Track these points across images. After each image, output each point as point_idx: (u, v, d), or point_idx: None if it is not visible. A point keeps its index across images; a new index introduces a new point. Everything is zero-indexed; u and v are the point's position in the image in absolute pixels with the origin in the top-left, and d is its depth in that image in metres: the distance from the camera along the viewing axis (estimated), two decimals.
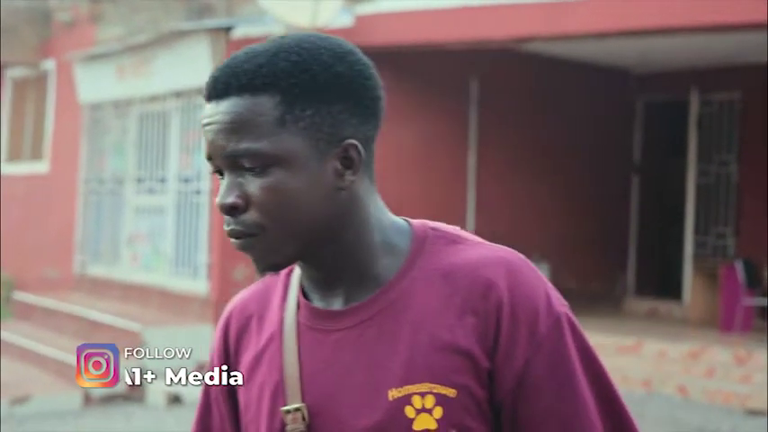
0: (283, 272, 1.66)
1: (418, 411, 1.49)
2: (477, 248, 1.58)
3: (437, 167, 12.17)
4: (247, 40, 10.97)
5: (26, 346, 11.52)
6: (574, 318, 1.56)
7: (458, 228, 1.65)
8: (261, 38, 10.88)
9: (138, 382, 7.93)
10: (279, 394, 1.59)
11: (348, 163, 1.53)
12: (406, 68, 11.77)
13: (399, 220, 1.64)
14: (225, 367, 1.71)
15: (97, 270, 13.41)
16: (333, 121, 1.52)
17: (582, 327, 1.58)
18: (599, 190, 13.79)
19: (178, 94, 11.91)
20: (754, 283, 11.82)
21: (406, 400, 1.50)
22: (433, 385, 1.49)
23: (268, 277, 1.70)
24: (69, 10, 14.45)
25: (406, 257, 1.58)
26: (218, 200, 1.52)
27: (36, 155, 15.30)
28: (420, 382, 1.50)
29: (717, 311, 12.27)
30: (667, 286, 13.75)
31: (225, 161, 1.51)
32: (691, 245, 12.86)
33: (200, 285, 11.36)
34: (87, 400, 10.23)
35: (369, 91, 1.57)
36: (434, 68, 12.03)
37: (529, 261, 1.57)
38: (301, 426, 1.55)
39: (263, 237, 1.51)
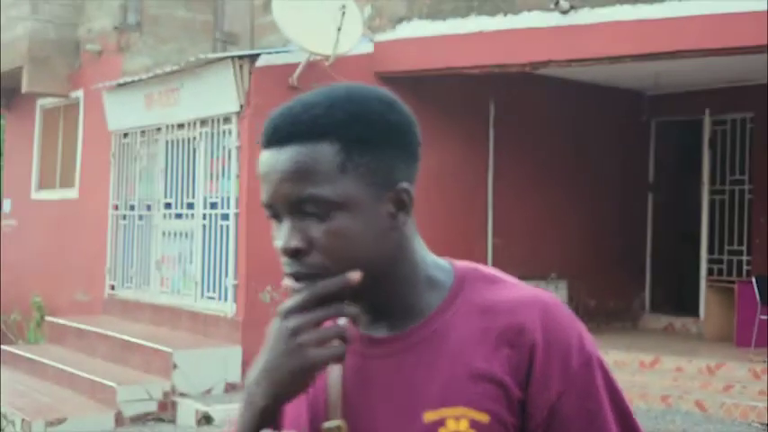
0: None
1: None
2: (515, 288, 1.66)
3: (457, 190, 12.35)
4: (271, 69, 11.16)
5: (60, 368, 11.62)
6: (604, 360, 1.64)
7: (497, 269, 1.73)
8: (284, 66, 11.09)
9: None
10: (320, 410, 1.64)
11: (400, 205, 1.61)
12: (425, 93, 11.82)
13: (441, 259, 1.72)
14: None
15: (127, 294, 13.51)
16: (386, 166, 1.60)
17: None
18: (615, 209, 13.89)
19: (204, 122, 12.04)
20: None
21: (441, 422, 1.56)
22: (467, 410, 1.56)
23: None
24: (98, 41, 14.58)
25: (448, 292, 1.66)
26: (280, 243, 1.58)
27: (66, 182, 15.40)
28: (455, 406, 1.56)
29: (732, 327, 12.28)
30: (683, 303, 13.77)
31: (288, 207, 1.58)
32: (705, 262, 12.93)
33: (227, 308, 11.50)
34: (120, 420, 10.30)
35: (414, 137, 1.68)
36: (453, 93, 12.19)
37: (564, 304, 1.66)
38: None
39: (326, 278, 1.56)
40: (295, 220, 1.58)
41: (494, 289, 1.66)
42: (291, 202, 1.57)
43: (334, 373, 1.65)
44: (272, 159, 1.59)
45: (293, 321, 1.54)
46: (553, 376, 1.57)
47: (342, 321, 1.61)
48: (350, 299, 1.58)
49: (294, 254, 1.57)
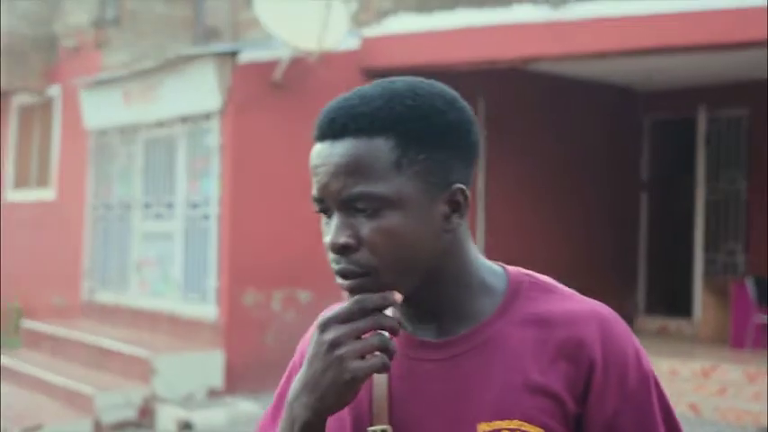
0: None
1: None
2: (572, 300, 1.64)
3: None
4: (254, 65, 10.98)
5: (36, 375, 11.47)
6: (657, 376, 1.64)
7: (550, 278, 1.71)
8: (268, 63, 10.92)
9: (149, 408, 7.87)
10: (365, 414, 1.63)
11: (455, 206, 1.59)
12: None
13: (492, 263, 1.70)
14: None
15: (106, 296, 13.34)
16: (443, 166, 1.57)
17: None
18: (608, 208, 13.75)
19: (185, 119, 11.87)
20: (764, 299, 11.78)
21: None
22: (522, 423, 1.55)
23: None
24: (75, 36, 14.44)
25: (501, 299, 1.64)
26: (329, 239, 1.57)
27: (42, 181, 15.26)
28: (510, 418, 1.55)
29: (727, 329, 12.24)
30: (677, 304, 13.71)
31: (338, 202, 1.56)
32: (700, 262, 12.83)
33: (209, 311, 11.29)
34: (98, 427, 10.15)
35: (473, 137, 1.63)
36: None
37: (620, 317, 1.64)
38: None
39: (374, 277, 1.55)
40: (345, 216, 1.57)
41: (550, 299, 1.65)
42: (343, 197, 1.55)
43: (381, 375, 1.63)
44: (326, 152, 1.58)
45: (332, 333, 1.53)
46: (610, 393, 1.58)
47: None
48: (402, 300, 1.61)
49: (342, 250, 1.56)
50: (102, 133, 13.62)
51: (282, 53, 10.91)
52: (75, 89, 13.76)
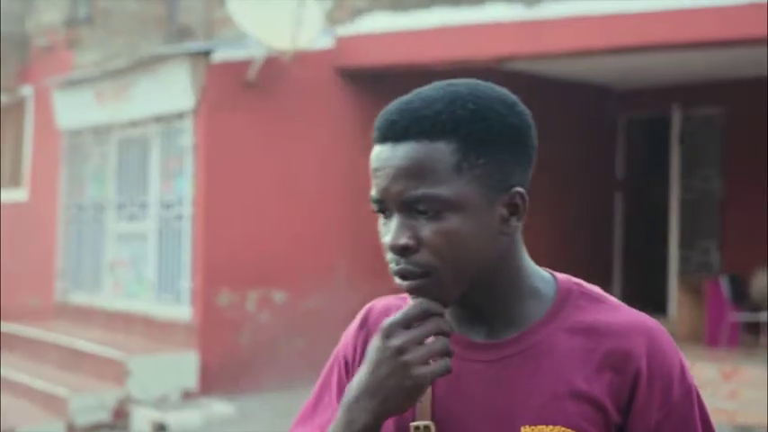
0: None
1: None
2: (620, 311, 1.66)
3: None
4: (228, 64, 10.93)
5: (9, 377, 11.38)
6: (700, 391, 1.67)
7: (598, 287, 1.73)
8: (242, 62, 10.86)
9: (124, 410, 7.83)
10: (409, 409, 1.63)
11: (513, 209, 1.62)
12: (388, 90, 11.64)
13: (542, 269, 1.73)
14: (353, 361, 1.79)
15: (79, 298, 13.26)
16: (503, 169, 1.60)
17: None
18: (583, 207, 13.74)
19: (158, 119, 11.78)
20: (739, 297, 11.80)
21: None
22: (565, 429, 1.58)
23: (407, 296, 1.74)
24: (47, 35, 14.35)
25: (550, 305, 1.67)
26: (389, 240, 1.59)
27: (15, 182, 15.16)
28: (554, 424, 1.58)
29: (702, 327, 12.24)
30: (652, 302, 13.68)
31: (399, 204, 1.58)
32: (675, 260, 12.85)
33: (183, 312, 11.21)
34: (72, 430, 10.09)
35: (532, 141, 1.67)
36: (417, 89, 11.92)
37: (666, 331, 1.67)
38: None
39: (433, 278, 1.57)
40: (405, 218, 1.58)
41: (599, 308, 1.67)
42: (404, 199, 1.57)
43: None
44: (387, 155, 1.59)
45: (398, 340, 1.54)
46: (654, 405, 1.60)
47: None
48: (450, 304, 1.62)
49: (402, 251, 1.58)
50: (75, 133, 13.53)
51: (256, 52, 10.85)
52: (48, 89, 13.67)
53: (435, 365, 1.54)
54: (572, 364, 1.60)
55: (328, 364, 1.85)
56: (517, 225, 1.63)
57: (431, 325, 1.55)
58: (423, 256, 1.57)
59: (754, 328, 11.94)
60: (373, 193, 1.62)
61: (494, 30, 10.74)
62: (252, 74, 10.90)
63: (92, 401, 10.30)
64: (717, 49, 10.21)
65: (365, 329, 1.79)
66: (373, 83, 11.68)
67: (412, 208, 1.57)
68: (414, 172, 1.56)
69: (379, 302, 1.83)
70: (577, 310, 1.65)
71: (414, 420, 1.63)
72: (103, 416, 10.29)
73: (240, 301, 10.99)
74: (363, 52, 11.55)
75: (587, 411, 1.58)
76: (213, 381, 10.78)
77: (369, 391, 1.55)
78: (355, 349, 1.79)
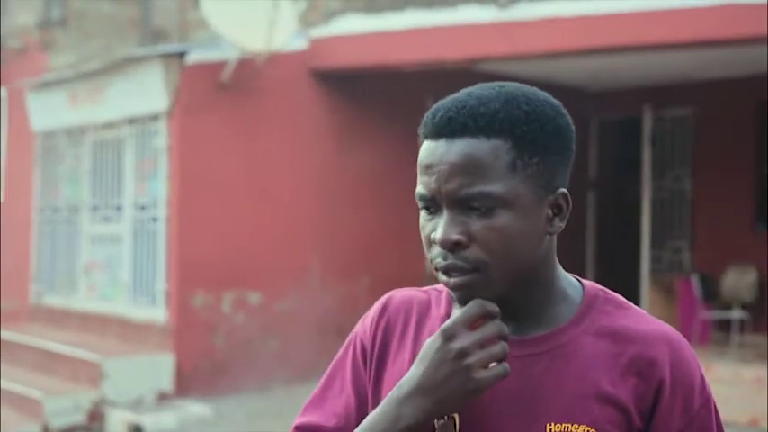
0: (446, 289, 1.75)
1: None
2: (645, 319, 1.70)
3: (393, 191, 12.07)
4: (202, 66, 10.92)
5: None
6: (716, 403, 1.71)
7: (621, 296, 1.76)
8: (216, 63, 10.85)
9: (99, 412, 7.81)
10: None
11: (557, 210, 1.66)
12: (362, 91, 11.75)
13: (569, 274, 1.77)
14: (371, 348, 1.80)
15: (54, 300, 13.21)
16: (551, 170, 1.62)
17: None
18: None
19: (132, 121, 11.75)
20: (709, 296, 11.90)
21: None
22: (590, 429, 1.60)
23: (431, 288, 1.83)
24: (20, 37, 14.29)
25: (578, 308, 1.70)
26: (439, 235, 1.59)
27: None
28: (579, 423, 1.61)
29: (674, 325, 12.27)
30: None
31: (451, 200, 1.59)
32: (647, 260, 12.90)
33: (158, 314, 11.19)
34: (47, 431, 10.07)
35: (573, 144, 1.69)
36: (390, 90, 11.96)
37: (688, 342, 1.71)
38: None
39: (483, 273, 1.59)
40: (456, 214, 1.60)
41: (624, 315, 1.70)
42: (458, 195, 1.58)
43: None
44: (441, 150, 1.60)
45: (460, 342, 1.56)
46: (676, 413, 1.64)
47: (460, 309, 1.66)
48: (492, 301, 1.62)
49: (453, 247, 1.59)
50: (49, 135, 13.48)
51: (230, 54, 10.85)
52: (22, 91, 13.61)
53: (495, 370, 1.56)
54: (598, 367, 1.63)
55: (342, 348, 1.86)
56: (560, 225, 1.67)
57: (493, 328, 1.58)
58: (473, 252, 1.59)
59: (724, 326, 12.04)
60: (422, 189, 1.63)
61: (466, 31, 10.75)
62: (226, 75, 10.91)
63: (67, 404, 10.26)
64: (687, 51, 10.27)
65: (386, 318, 1.81)
66: (347, 84, 11.72)
67: (465, 204, 1.59)
68: (470, 168, 1.58)
69: (400, 293, 1.85)
70: (603, 315, 1.69)
71: None
72: (78, 418, 10.26)
73: (215, 302, 10.99)
74: (337, 54, 11.55)
75: (611, 414, 1.61)
76: (189, 382, 10.78)
77: (424, 389, 1.56)
78: (375, 337, 1.80)
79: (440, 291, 1.81)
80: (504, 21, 10.49)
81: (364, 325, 1.84)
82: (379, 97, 11.92)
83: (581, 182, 14.29)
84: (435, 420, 1.61)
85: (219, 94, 10.99)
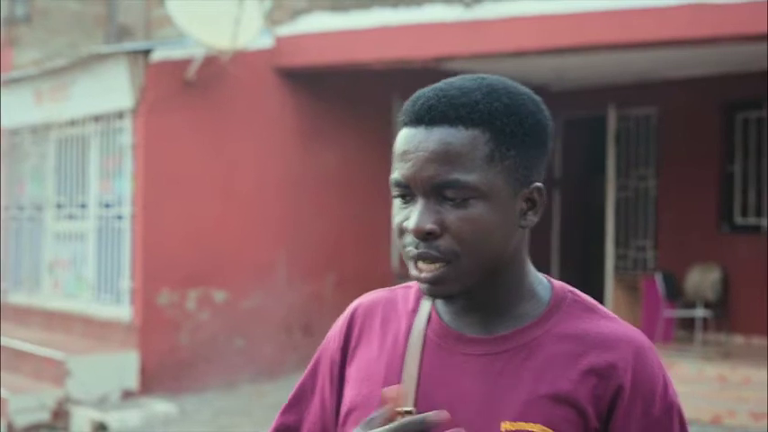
0: (415, 285, 1.75)
1: None
2: (611, 322, 1.68)
3: (358, 190, 12.08)
4: (167, 63, 10.89)
5: None
6: (682, 409, 1.69)
7: (591, 298, 1.74)
8: (181, 61, 10.83)
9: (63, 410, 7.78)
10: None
11: (531, 204, 1.66)
12: (327, 89, 11.74)
13: (540, 274, 1.74)
14: (339, 357, 1.80)
15: (18, 298, 13.16)
16: (527, 163, 1.63)
17: None
18: None
19: (97, 119, 11.72)
20: (673, 294, 11.95)
21: None
22: (545, 429, 1.58)
23: (398, 287, 1.82)
24: None
25: (545, 308, 1.68)
26: (412, 224, 1.58)
27: None
28: (534, 422, 1.59)
29: (638, 323, 12.35)
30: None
31: (426, 188, 1.58)
32: (612, 258, 12.94)
33: (123, 311, 11.16)
34: (11, 430, 10.02)
35: (550, 140, 1.69)
36: (356, 88, 11.96)
37: (653, 346, 1.69)
38: None
39: (455, 264, 1.58)
40: (430, 203, 1.59)
41: (590, 317, 1.68)
42: (434, 183, 1.58)
43: (412, 359, 1.68)
44: (420, 138, 1.60)
45: None
46: (634, 419, 1.61)
47: (424, 314, 1.71)
48: (461, 294, 1.63)
49: (425, 236, 1.58)
50: (14, 133, 13.43)
51: (195, 52, 10.83)
52: None
53: None
54: (557, 367, 1.62)
55: (313, 361, 1.86)
56: (534, 219, 1.66)
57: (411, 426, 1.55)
58: (445, 242, 1.58)
59: (688, 324, 12.11)
60: (397, 175, 1.61)
61: (432, 30, 10.77)
62: (191, 73, 10.89)
63: (31, 402, 10.23)
64: (652, 50, 10.31)
65: (352, 324, 1.81)
66: (312, 82, 11.71)
67: (440, 193, 1.58)
68: (448, 157, 1.57)
69: (366, 297, 1.84)
70: (569, 317, 1.67)
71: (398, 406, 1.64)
72: (43, 416, 10.23)
73: (180, 300, 10.97)
74: (302, 52, 11.54)
75: (568, 414, 1.59)
76: (153, 380, 10.76)
77: None
78: (340, 349, 1.80)
79: (408, 288, 1.81)
80: (469, 20, 10.51)
81: (333, 333, 1.84)
82: (344, 95, 11.92)
83: (546, 181, 14.31)
84: (394, 410, 1.61)
85: (185, 92, 10.96)
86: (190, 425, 9.78)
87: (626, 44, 9.95)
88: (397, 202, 1.64)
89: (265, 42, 11.52)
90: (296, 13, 11.83)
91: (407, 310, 1.76)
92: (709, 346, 11.61)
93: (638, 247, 13.56)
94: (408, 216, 1.60)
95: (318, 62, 11.48)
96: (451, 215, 1.57)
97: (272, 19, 11.75)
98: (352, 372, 1.76)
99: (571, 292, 1.72)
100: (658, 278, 11.91)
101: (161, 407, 10.23)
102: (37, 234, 12.92)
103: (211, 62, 10.89)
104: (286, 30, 11.74)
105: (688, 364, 10.63)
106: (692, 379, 10.34)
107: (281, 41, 11.63)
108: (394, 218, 1.64)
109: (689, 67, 11.81)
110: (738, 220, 12.71)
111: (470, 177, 1.57)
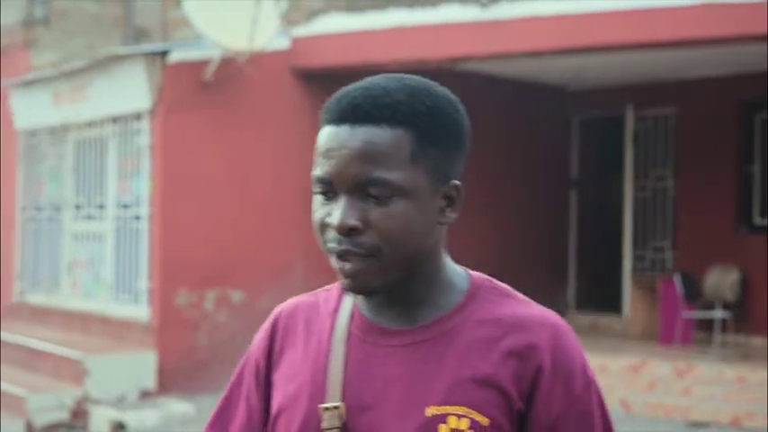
0: (335, 287, 1.80)
1: (452, 431, 1.62)
2: (527, 306, 1.73)
3: None
4: (184, 65, 10.91)
5: None
6: (600, 389, 1.73)
7: (508, 286, 1.79)
8: (199, 62, 10.85)
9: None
10: (318, 393, 1.70)
11: (449, 202, 1.69)
12: None
13: (456, 266, 1.79)
14: (265, 363, 1.82)
15: (37, 298, 13.20)
16: (447, 162, 1.67)
17: None
18: (538, 206, 13.79)
19: (115, 120, 11.76)
20: (692, 295, 11.89)
21: (442, 418, 1.63)
22: (470, 410, 1.62)
23: (320, 291, 1.85)
24: (3, 36, 14.25)
25: (462, 297, 1.72)
26: (335, 220, 1.62)
27: None
28: (458, 405, 1.63)
29: (656, 325, 12.33)
30: (607, 300, 13.78)
31: (350, 186, 1.62)
32: (629, 259, 12.94)
33: (141, 311, 11.20)
34: (30, 429, 10.05)
35: (468, 139, 1.73)
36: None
37: (571, 328, 1.73)
38: (337, 423, 1.66)
39: (377, 259, 1.62)
40: (354, 200, 1.62)
41: (508, 303, 1.73)
42: (358, 181, 1.61)
43: (337, 355, 1.71)
44: (344, 136, 1.63)
45: None
46: (556, 397, 1.65)
47: (346, 312, 1.75)
48: (382, 290, 1.66)
49: (349, 232, 1.61)
50: (32, 134, 13.48)
51: (212, 53, 10.85)
52: (5, 89, 13.59)
53: None
54: (478, 352, 1.65)
55: (238, 368, 1.89)
56: (452, 216, 1.70)
57: None
58: (368, 238, 1.61)
59: (706, 326, 12.05)
60: (319, 172, 1.65)
61: (448, 30, 10.77)
62: (208, 74, 10.91)
63: (50, 401, 10.26)
64: (669, 50, 10.29)
65: (274, 330, 1.83)
66: (328, 83, 11.57)
67: (363, 191, 1.61)
68: (372, 155, 1.60)
69: (286, 303, 1.87)
70: (487, 303, 1.71)
71: (324, 403, 1.68)
72: (62, 415, 10.26)
73: (198, 300, 10.99)
74: (319, 53, 11.55)
75: (491, 396, 1.63)
76: (171, 380, 10.78)
77: None
78: (265, 355, 1.82)
79: (328, 290, 1.83)
80: (485, 20, 10.50)
81: (256, 341, 1.86)
82: None
83: (563, 181, 14.31)
84: (321, 410, 1.66)
85: (202, 93, 10.99)
86: None
87: (643, 44, 9.94)
88: (317, 199, 1.67)
89: (282, 43, 11.53)
90: (312, 14, 11.84)
91: (329, 311, 1.79)
92: (727, 347, 11.57)
93: (656, 248, 13.51)
94: (330, 212, 1.64)
95: (334, 63, 11.48)
96: (375, 212, 1.61)
97: (288, 20, 11.77)
98: (279, 376, 1.78)
99: (488, 280, 1.77)
100: (677, 279, 11.85)
101: (179, 407, 10.25)
102: (55, 235, 12.96)
103: (228, 63, 10.91)
104: (302, 31, 11.76)
105: (707, 365, 10.59)
106: (711, 381, 10.31)
107: (297, 42, 11.64)
108: (314, 213, 1.68)
109: (707, 67, 11.78)
110: (757, 220, 12.67)
111: (394, 176, 1.60)
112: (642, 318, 12.66)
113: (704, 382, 10.28)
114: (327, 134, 1.65)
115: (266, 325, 1.86)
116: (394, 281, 1.65)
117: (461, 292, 1.73)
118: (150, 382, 10.72)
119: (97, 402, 10.38)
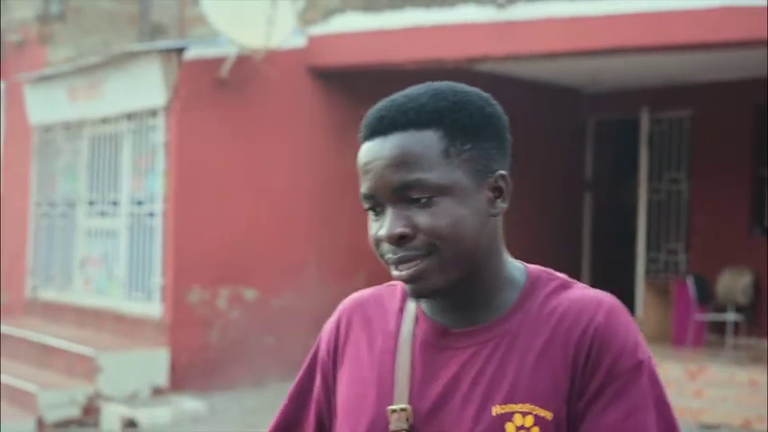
0: (400, 284, 1.79)
1: (518, 429, 1.64)
2: (584, 291, 1.74)
3: None
4: (200, 62, 10.92)
5: None
6: (656, 369, 1.69)
7: (567, 276, 1.80)
8: (214, 60, 10.87)
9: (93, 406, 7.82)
10: (386, 394, 1.73)
11: (498, 192, 1.72)
12: (359, 89, 11.71)
13: (514, 260, 1.81)
14: (330, 359, 1.85)
15: (49, 294, 13.21)
16: (485, 154, 1.69)
17: None
18: (552, 208, 13.79)
19: (130, 116, 11.76)
20: (705, 298, 11.89)
21: (508, 416, 1.64)
22: (533, 407, 1.64)
23: (383, 286, 1.88)
24: (19, 31, 14.27)
25: (521, 293, 1.74)
26: (384, 232, 1.65)
27: None
28: (523, 402, 1.65)
29: (669, 327, 12.33)
30: (621, 302, 13.76)
31: (392, 194, 1.65)
32: (643, 261, 12.92)
33: (154, 309, 11.20)
34: (42, 426, 10.06)
35: (507, 132, 1.76)
36: (388, 89, 11.74)
37: (625, 308, 1.72)
38: (405, 425, 1.68)
39: (435, 256, 1.64)
40: (398, 208, 1.65)
41: (564, 293, 1.73)
42: (396, 187, 1.64)
43: (403, 357, 1.74)
44: (376, 148, 1.67)
45: None
46: (600, 369, 1.64)
47: (411, 313, 1.77)
48: (446, 293, 1.68)
49: (399, 240, 1.64)
50: (47, 129, 13.49)
51: (228, 50, 10.85)
52: (20, 85, 13.60)
53: None
54: (539, 347, 1.67)
55: (307, 361, 1.91)
56: (503, 206, 1.73)
57: None
58: (420, 241, 1.64)
59: (719, 328, 12.05)
60: (364, 189, 1.69)
61: (465, 31, 10.76)
62: (224, 72, 10.91)
63: (62, 397, 10.27)
64: (685, 52, 10.28)
65: (340, 323, 1.86)
66: (344, 82, 11.72)
67: (404, 197, 1.64)
68: (404, 160, 1.63)
69: (351, 297, 1.90)
70: (544, 297, 1.73)
71: (391, 404, 1.70)
72: (73, 412, 10.27)
73: (211, 298, 10.99)
74: (335, 52, 11.55)
75: (550, 389, 1.64)
76: (183, 378, 10.79)
77: None
78: (332, 352, 1.85)
79: (393, 286, 1.86)
80: (502, 21, 10.49)
81: (323, 336, 1.89)
82: (376, 96, 11.59)
83: (577, 183, 14.31)
84: (389, 412, 1.69)
85: (218, 91, 11.00)
86: (219, 423, 9.80)
87: (659, 47, 9.93)
88: (370, 216, 1.70)
89: (298, 42, 11.53)
90: (329, 13, 11.83)
91: (394, 310, 1.81)
92: (740, 350, 11.57)
93: (670, 251, 13.50)
94: (381, 226, 1.67)
95: (351, 62, 11.49)
96: (420, 216, 1.63)
97: (304, 19, 11.77)
98: (344, 373, 1.82)
99: (546, 272, 1.79)
100: (690, 281, 11.85)
101: (191, 404, 10.26)
102: (69, 231, 12.96)
103: (244, 61, 10.92)
104: (319, 30, 11.75)
105: (719, 368, 10.58)
106: (723, 383, 10.31)
107: (313, 41, 11.64)
108: (369, 231, 1.71)
109: (722, 70, 11.76)
110: None
111: (430, 175, 1.63)
112: (655, 320, 12.66)
113: (716, 384, 10.28)
114: (363, 151, 1.71)
115: (333, 318, 1.89)
116: (455, 279, 1.67)
117: (520, 287, 1.75)
118: (162, 379, 10.72)
119: (109, 399, 10.39)
